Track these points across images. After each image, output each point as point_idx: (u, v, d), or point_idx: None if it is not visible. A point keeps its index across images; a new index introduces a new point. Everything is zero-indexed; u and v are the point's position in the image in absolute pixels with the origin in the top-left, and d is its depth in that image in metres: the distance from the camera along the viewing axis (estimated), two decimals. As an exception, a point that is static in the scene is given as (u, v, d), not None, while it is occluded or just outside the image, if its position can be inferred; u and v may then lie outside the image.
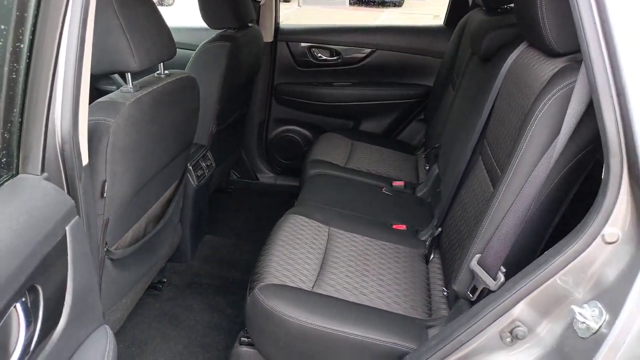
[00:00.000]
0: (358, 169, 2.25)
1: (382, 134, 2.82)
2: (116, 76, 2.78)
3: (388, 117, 2.80)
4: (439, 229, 1.60)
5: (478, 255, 1.10)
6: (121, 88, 1.35)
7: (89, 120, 1.21)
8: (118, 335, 1.83)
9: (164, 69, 1.53)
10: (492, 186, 1.27)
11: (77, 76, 0.98)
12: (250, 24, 2.33)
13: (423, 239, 1.73)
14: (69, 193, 1.05)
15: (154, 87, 1.40)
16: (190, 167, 2.00)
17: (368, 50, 2.72)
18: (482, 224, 1.12)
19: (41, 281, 0.72)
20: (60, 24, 0.84)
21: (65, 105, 0.97)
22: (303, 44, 2.73)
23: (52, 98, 0.88)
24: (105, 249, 1.36)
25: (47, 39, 0.84)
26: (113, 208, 1.31)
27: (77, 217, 0.87)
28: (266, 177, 2.97)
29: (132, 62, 1.29)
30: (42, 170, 0.88)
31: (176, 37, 2.79)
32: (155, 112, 1.39)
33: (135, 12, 1.30)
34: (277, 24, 2.72)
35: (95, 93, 2.08)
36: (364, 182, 2.14)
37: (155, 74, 1.51)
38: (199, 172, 2.06)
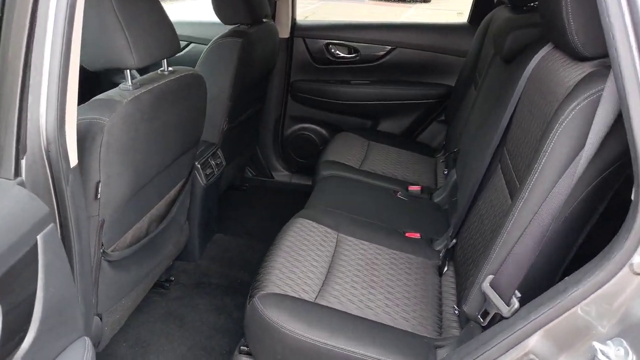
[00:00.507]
0: (373, 171, 2.17)
1: (401, 135, 2.72)
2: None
3: (407, 117, 2.70)
4: (454, 240, 1.51)
5: (491, 277, 1.01)
6: (120, 85, 1.30)
7: (82, 119, 1.17)
8: (122, 334, 1.80)
9: (168, 65, 1.49)
10: (510, 199, 1.17)
11: (62, 74, 0.93)
12: (265, 20, 2.27)
13: (437, 249, 1.64)
14: (55, 196, 1.01)
15: (155, 85, 1.34)
16: (199, 166, 1.95)
17: (388, 48, 2.62)
18: (496, 242, 1.03)
19: (2, 296, 0.67)
20: (28, 19, 0.78)
21: (50, 105, 0.93)
22: (320, 41, 2.64)
23: (25, 99, 0.82)
24: (101, 251, 1.31)
25: (15, 36, 0.78)
26: (109, 209, 1.27)
27: (51, 224, 0.81)
28: (281, 175, 2.91)
29: (130, 58, 1.23)
30: (17, 174, 0.83)
31: (194, 32, 2.79)
32: (155, 111, 1.33)
33: (134, 6, 1.25)
34: (293, 19, 2.64)
35: (112, 87, 2.04)
36: (378, 185, 2.06)
37: (159, 70, 1.46)
38: (208, 171, 2.01)
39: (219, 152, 2.12)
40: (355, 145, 2.37)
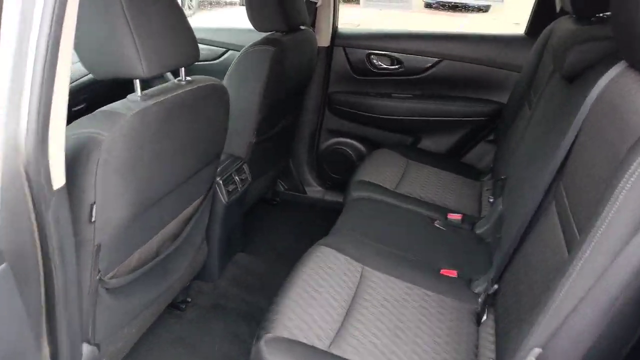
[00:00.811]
0: (410, 194, 1.98)
1: (444, 154, 2.51)
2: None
3: (452, 136, 2.49)
4: (495, 286, 1.30)
5: (537, 350, 0.81)
6: (128, 96, 1.19)
7: (79, 133, 1.06)
8: (129, 358, 1.70)
9: (192, 74, 1.37)
10: (567, 250, 0.96)
11: (47, 81, 0.82)
12: (303, 27, 2.13)
13: (477, 291, 1.44)
14: (36, 220, 0.90)
15: (168, 96, 1.22)
16: (221, 182, 1.83)
17: (434, 60, 2.42)
18: (546, 306, 0.83)
19: None
20: None
21: (31, 118, 0.82)
22: (361, 50, 2.48)
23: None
24: (97, 278, 1.20)
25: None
26: (106, 233, 1.15)
27: (4, 265, 0.69)
28: (314, 191, 2.76)
29: (138, 67, 1.12)
30: None
31: (232, 39, 2.69)
32: (165, 125, 1.21)
33: (147, 11, 1.13)
34: (334, 27, 2.49)
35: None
36: (414, 211, 1.86)
37: (176, 80, 1.34)
38: (231, 187, 1.88)
39: (245, 167, 1.99)
40: (392, 164, 2.19)
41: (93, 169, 1.05)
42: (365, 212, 1.82)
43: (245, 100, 1.86)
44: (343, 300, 1.32)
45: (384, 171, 2.12)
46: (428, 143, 2.52)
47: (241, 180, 1.95)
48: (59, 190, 0.93)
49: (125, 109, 1.12)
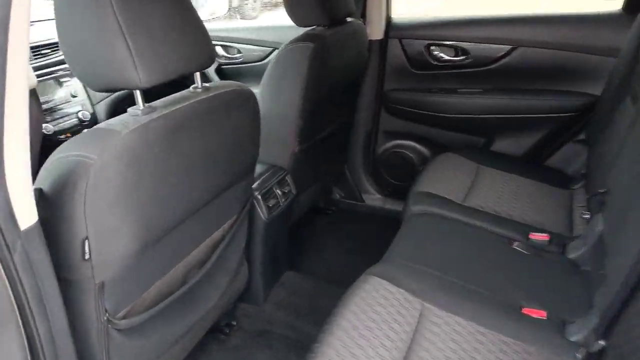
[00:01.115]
0: (481, 208, 1.67)
1: (523, 158, 2.16)
2: (208, 71, 2.52)
3: (532, 135, 2.13)
4: (602, 343, 0.98)
5: None
6: (129, 109, 1.00)
7: (66, 156, 0.90)
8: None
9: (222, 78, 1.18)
10: None
11: None
12: (349, 19, 1.88)
13: (573, 339, 1.12)
14: (2, 267, 0.74)
15: (176, 107, 1.02)
16: (259, 196, 1.62)
17: (507, 48, 2.07)
18: None
19: None
20: None
21: None
22: (419, 41, 2.18)
23: None
24: (105, 318, 1.03)
25: None
26: (108, 271, 0.97)
27: None
28: (372, 198, 2.51)
29: (134, 76, 0.93)
30: None
31: (278, 37, 2.50)
32: (173, 140, 1.01)
33: (144, 10, 0.94)
34: (388, 17, 2.21)
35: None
36: (486, 230, 1.56)
37: (191, 87, 1.15)
38: (272, 202, 1.67)
39: (288, 179, 1.77)
40: (459, 171, 1.89)
41: (81, 199, 0.87)
42: (426, 231, 1.54)
43: (284, 104, 1.65)
44: (395, 348, 1.07)
45: (449, 180, 1.82)
46: (503, 145, 2.18)
47: (284, 193, 1.73)
48: (28, 230, 0.76)
49: (121, 126, 0.93)
